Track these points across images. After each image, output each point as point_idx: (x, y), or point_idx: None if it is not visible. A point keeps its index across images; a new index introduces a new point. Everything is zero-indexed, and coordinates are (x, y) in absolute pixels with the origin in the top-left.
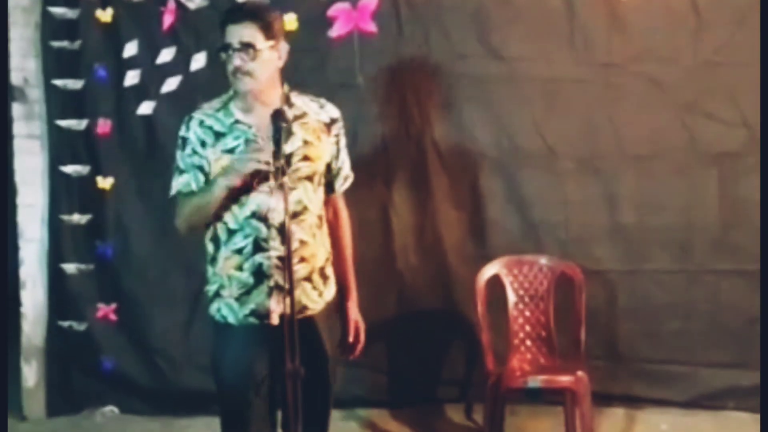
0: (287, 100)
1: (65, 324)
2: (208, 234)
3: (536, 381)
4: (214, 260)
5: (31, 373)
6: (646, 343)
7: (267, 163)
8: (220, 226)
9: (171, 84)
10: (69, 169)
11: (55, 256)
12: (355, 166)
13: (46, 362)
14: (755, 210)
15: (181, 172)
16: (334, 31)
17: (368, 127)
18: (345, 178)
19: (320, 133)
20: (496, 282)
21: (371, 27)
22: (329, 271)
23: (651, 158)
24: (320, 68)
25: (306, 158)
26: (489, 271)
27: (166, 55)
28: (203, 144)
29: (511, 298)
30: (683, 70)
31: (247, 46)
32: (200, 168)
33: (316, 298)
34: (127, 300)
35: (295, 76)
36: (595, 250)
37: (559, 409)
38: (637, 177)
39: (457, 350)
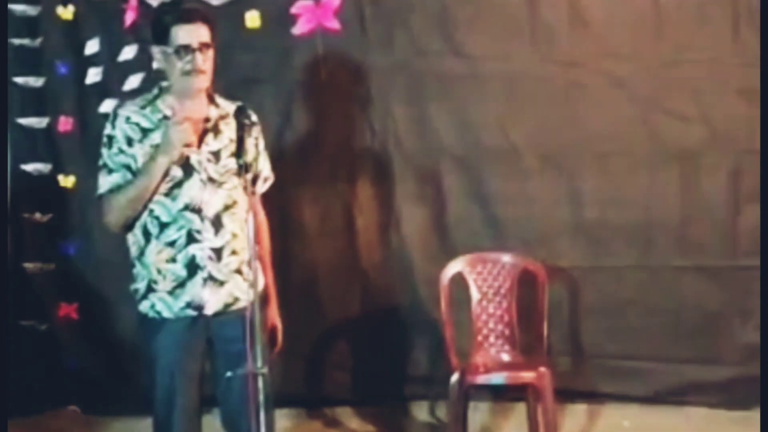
0: (212, 100)
1: (27, 323)
2: (136, 229)
3: (499, 377)
4: (141, 255)
5: None
6: (609, 339)
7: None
8: (149, 220)
9: (133, 81)
10: (30, 167)
11: (17, 254)
12: (318, 165)
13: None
14: (716, 207)
15: (110, 170)
16: (297, 29)
17: (331, 125)
18: (265, 180)
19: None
20: (459, 279)
21: (335, 24)
22: (258, 263)
23: (613, 155)
24: (283, 65)
25: (233, 155)
26: (452, 268)
27: (128, 52)
28: (130, 141)
29: (475, 295)
30: (645, 68)
31: (205, 46)
32: (127, 167)
33: (247, 289)
34: (90, 299)
35: (258, 74)
36: (557, 247)
37: (522, 406)
38: (599, 174)
39: (421, 347)
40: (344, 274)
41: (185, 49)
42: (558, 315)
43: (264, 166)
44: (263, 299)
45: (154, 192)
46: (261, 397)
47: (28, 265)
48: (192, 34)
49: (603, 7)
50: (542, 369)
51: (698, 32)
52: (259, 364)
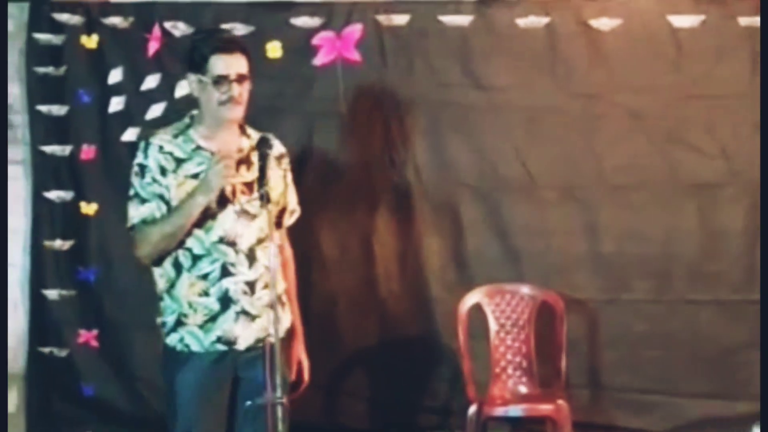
0: (243, 130)
1: (46, 350)
2: (166, 262)
3: (517, 410)
4: (172, 287)
5: (11, 399)
6: (626, 372)
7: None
8: (182, 252)
9: (155, 111)
10: (52, 194)
11: (37, 281)
12: (337, 195)
13: (26, 388)
14: (733, 240)
15: (143, 200)
16: (318, 60)
17: (351, 156)
18: (291, 213)
19: (273, 165)
20: (477, 310)
21: (355, 56)
22: (285, 298)
23: (631, 188)
24: (304, 96)
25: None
26: (471, 299)
27: (150, 81)
28: (163, 171)
29: (493, 326)
30: (663, 101)
31: (242, 77)
32: (161, 197)
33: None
34: (109, 326)
35: (278, 104)
36: (575, 279)
37: None
38: (616, 207)
39: (439, 378)
40: (363, 303)
41: (223, 79)
42: (576, 347)
43: (291, 199)
44: (290, 334)
45: (191, 229)
46: (280, 427)
47: (49, 292)
48: (231, 64)
49: (622, 40)
50: (560, 402)
51: (716, 66)
52: (278, 393)
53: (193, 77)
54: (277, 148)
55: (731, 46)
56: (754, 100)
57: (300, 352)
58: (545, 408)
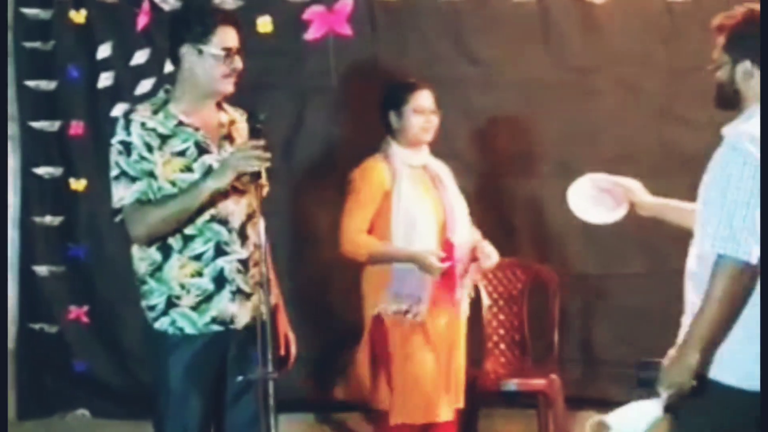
0: (220, 105)
1: (36, 326)
2: (152, 243)
3: (510, 384)
4: (158, 270)
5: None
6: (620, 347)
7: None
8: (171, 233)
9: (145, 86)
10: (41, 170)
11: (27, 257)
12: (329, 169)
13: (16, 365)
14: None
15: (133, 179)
16: (309, 34)
17: (343, 131)
18: (262, 187)
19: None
20: None
21: (347, 30)
22: (271, 275)
23: (624, 161)
24: (294, 71)
25: None
26: None
27: (140, 56)
28: (149, 148)
29: (486, 301)
30: (657, 74)
31: (240, 50)
32: (150, 173)
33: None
34: (100, 302)
35: (269, 79)
36: (569, 254)
37: (533, 412)
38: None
39: None
40: (356, 279)
41: (228, 52)
42: (570, 322)
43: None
44: (277, 309)
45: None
46: (271, 402)
47: (38, 268)
48: (232, 36)
49: (615, 13)
50: (553, 376)
51: (710, 39)
52: (270, 369)
53: (189, 48)
54: (247, 123)
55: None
56: None
57: (286, 326)
58: (538, 383)
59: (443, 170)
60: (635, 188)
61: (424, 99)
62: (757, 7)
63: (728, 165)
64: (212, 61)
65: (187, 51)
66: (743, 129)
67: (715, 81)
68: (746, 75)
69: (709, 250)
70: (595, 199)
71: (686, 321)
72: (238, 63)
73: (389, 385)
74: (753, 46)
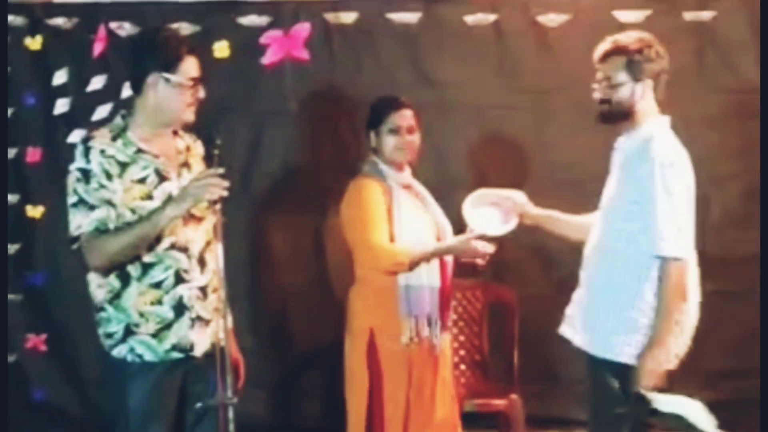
0: (176, 132)
1: None
2: (110, 271)
3: (471, 405)
4: (116, 298)
5: None
6: (581, 366)
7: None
8: (129, 261)
9: (102, 112)
10: None
11: None
12: (287, 192)
13: None
14: None
15: (92, 207)
16: (266, 59)
17: (301, 154)
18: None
19: (201, 165)
20: None
21: (303, 54)
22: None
23: (582, 183)
24: (252, 95)
25: None
26: None
27: (96, 82)
28: (108, 176)
29: None
30: None
31: (201, 79)
32: (109, 202)
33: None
34: (58, 330)
35: (227, 104)
36: (528, 274)
37: None
38: (568, 202)
39: None
40: (315, 302)
41: (194, 81)
42: (530, 342)
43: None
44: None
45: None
46: (231, 427)
47: None
48: (198, 65)
49: (569, 37)
50: (513, 396)
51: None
52: (230, 394)
53: (158, 77)
54: (200, 147)
55: (676, 40)
56: (699, 92)
57: (236, 351)
58: (498, 403)
59: (424, 190)
60: (522, 200)
61: (400, 119)
62: (648, 36)
63: (671, 178)
64: (179, 90)
65: (153, 80)
66: (663, 144)
67: (606, 97)
68: (645, 93)
69: (667, 253)
70: (487, 212)
71: (578, 296)
72: (201, 92)
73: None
74: (651, 68)
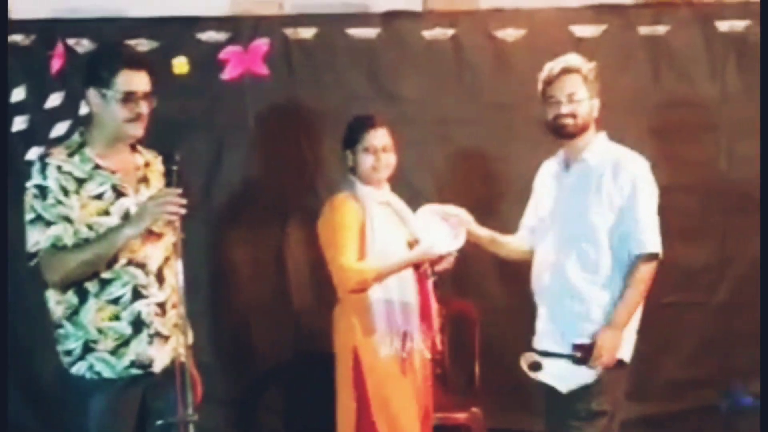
0: (134, 148)
1: None
2: (67, 288)
3: (432, 418)
4: (74, 314)
5: None
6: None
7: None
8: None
9: (60, 129)
10: None
11: None
12: (248, 208)
13: None
14: None
15: (48, 223)
16: (226, 74)
17: (261, 170)
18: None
19: (161, 181)
20: None
21: (263, 70)
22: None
23: None
24: (212, 111)
25: None
26: None
27: (54, 99)
28: (65, 192)
29: None
30: None
31: (147, 95)
32: (66, 218)
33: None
34: (18, 349)
35: (186, 120)
36: (488, 287)
37: None
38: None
39: None
40: (276, 318)
41: (130, 96)
42: (490, 354)
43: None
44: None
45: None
46: None
47: None
48: (137, 80)
49: (526, 51)
50: (474, 409)
51: (619, 75)
52: (190, 411)
53: (95, 92)
54: (160, 163)
55: (632, 55)
56: (654, 106)
57: (193, 368)
58: (460, 416)
59: (405, 207)
60: (468, 218)
61: (374, 138)
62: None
63: (649, 183)
64: (114, 105)
65: (91, 94)
66: (633, 155)
67: (572, 112)
68: (594, 109)
69: (651, 249)
70: (437, 228)
71: (542, 311)
72: (142, 107)
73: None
74: (597, 87)
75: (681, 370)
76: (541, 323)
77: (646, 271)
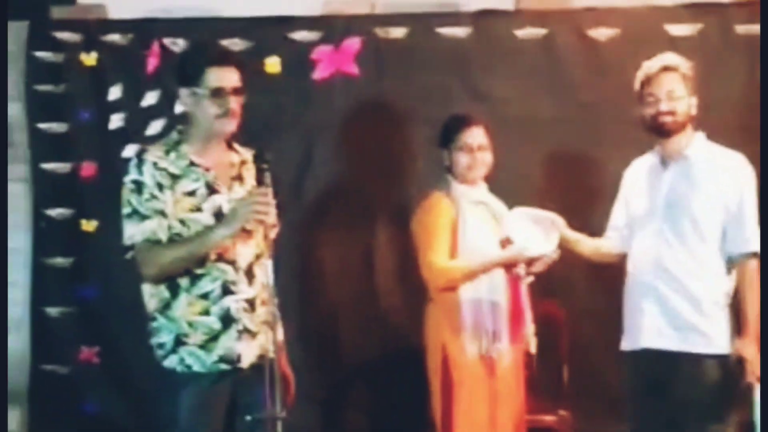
0: (230, 146)
1: (48, 368)
2: (161, 282)
3: None
4: (166, 308)
5: (13, 418)
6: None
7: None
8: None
9: (155, 126)
10: (53, 212)
11: (38, 299)
12: (338, 208)
13: (28, 406)
14: None
15: (144, 217)
16: (317, 74)
17: (351, 169)
18: (273, 227)
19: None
20: None
21: (353, 69)
22: (277, 312)
23: None
24: (303, 111)
25: None
26: None
27: (150, 98)
28: (160, 187)
29: None
30: None
31: (237, 90)
32: (161, 212)
33: (273, 340)
34: (110, 342)
35: (278, 119)
36: (577, 289)
37: None
38: None
39: None
40: (364, 316)
41: (219, 92)
42: (579, 357)
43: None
44: (279, 348)
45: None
46: None
47: (50, 309)
48: (226, 76)
49: (620, 50)
50: (563, 412)
51: (714, 74)
52: (279, 408)
53: (186, 91)
54: (268, 162)
55: (728, 54)
56: (749, 106)
57: (286, 366)
58: (548, 419)
59: (502, 207)
60: (560, 222)
61: (469, 137)
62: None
63: (751, 179)
64: (205, 102)
65: (183, 93)
66: (729, 152)
67: (671, 110)
68: (693, 107)
69: (752, 249)
70: (529, 230)
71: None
72: (231, 103)
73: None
74: (695, 85)
75: None
76: (647, 319)
77: (754, 270)
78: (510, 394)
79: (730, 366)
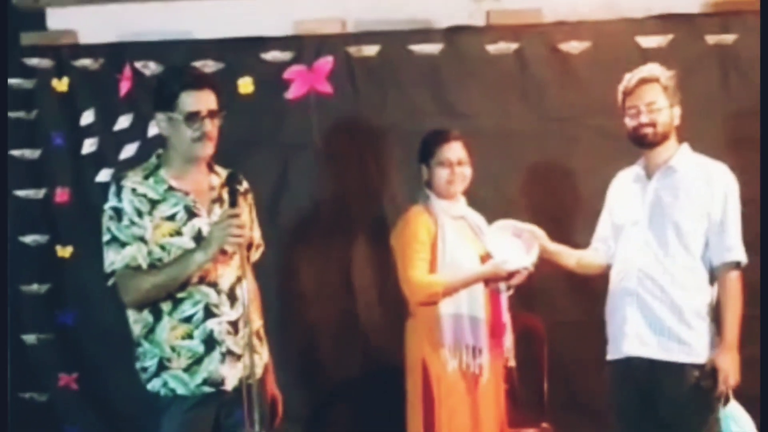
0: (211, 168)
1: (26, 395)
2: (144, 308)
3: None
4: (150, 332)
5: None
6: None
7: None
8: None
9: (129, 150)
10: (28, 238)
11: (15, 326)
12: (314, 227)
13: None
14: None
15: (123, 244)
16: (290, 93)
17: (326, 188)
18: (257, 247)
19: (241, 200)
20: None
21: (327, 88)
22: (262, 333)
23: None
24: (277, 130)
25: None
26: None
27: (123, 121)
28: (139, 213)
29: None
30: None
31: (213, 113)
32: (140, 239)
33: (258, 361)
34: (89, 368)
35: (252, 139)
36: (556, 302)
37: None
38: (592, 228)
39: None
40: (344, 336)
41: (195, 116)
42: (560, 369)
43: (256, 234)
44: (265, 369)
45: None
46: None
47: (27, 337)
48: (201, 100)
49: (592, 63)
50: (544, 425)
51: (686, 84)
52: (257, 429)
53: (162, 115)
54: (241, 182)
55: (700, 64)
56: (723, 116)
57: (273, 386)
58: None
59: (482, 221)
60: (540, 234)
61: (449, 151)
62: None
63: (734, 189)
64: (180, 126)
65: (159, 118)
66: (722, 166)
67: (651, 121)
68: (675, 118)
69: (739, 258)
70: (509, 243)
71: (633, 313)
72: (207, 126)
73: None
74: (677, 96)
75: None
76: (630, 327)
77: (735, 280)
78: (491, 408)
79: (707, 375)
